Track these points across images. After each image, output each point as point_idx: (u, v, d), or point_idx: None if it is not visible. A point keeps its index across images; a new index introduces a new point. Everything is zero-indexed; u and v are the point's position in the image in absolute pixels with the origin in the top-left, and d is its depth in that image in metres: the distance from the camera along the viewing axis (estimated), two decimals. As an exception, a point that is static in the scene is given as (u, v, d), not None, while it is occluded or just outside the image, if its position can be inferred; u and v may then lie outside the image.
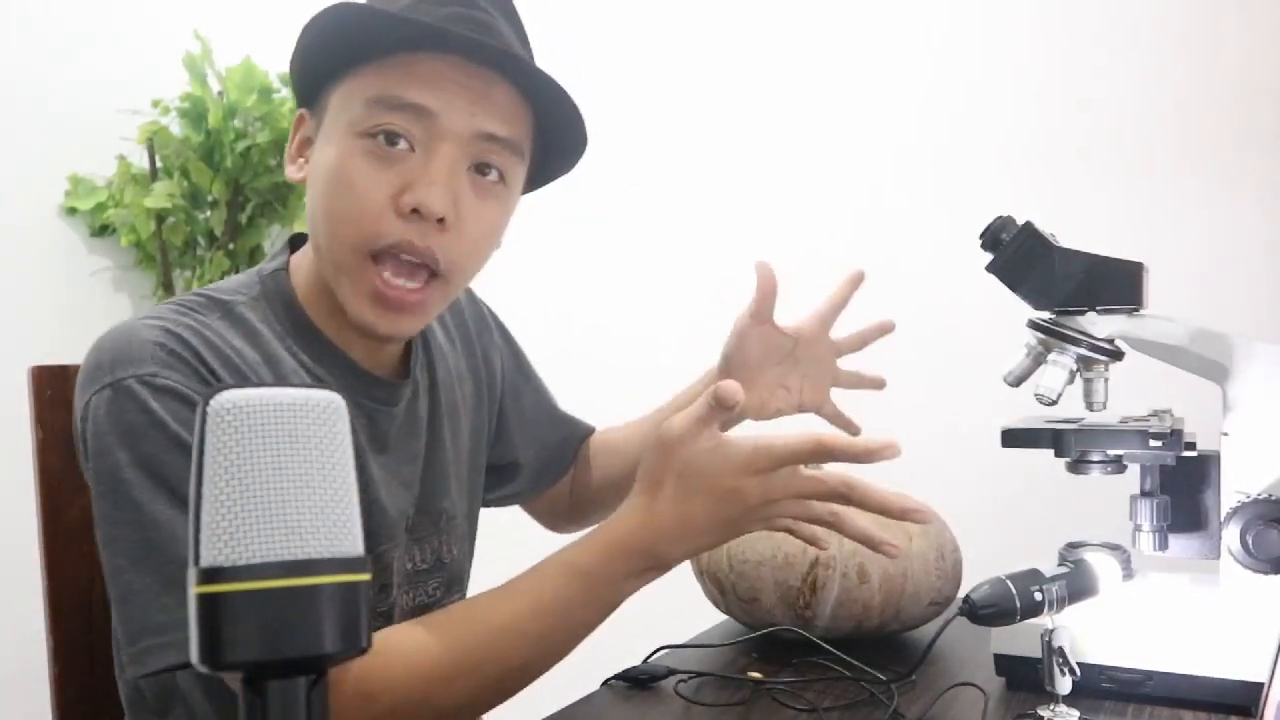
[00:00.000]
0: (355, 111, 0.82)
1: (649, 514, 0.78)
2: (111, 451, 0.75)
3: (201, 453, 0.42)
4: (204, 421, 0.42)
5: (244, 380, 0.81)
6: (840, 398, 1.96)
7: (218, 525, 0.41)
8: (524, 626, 0.78)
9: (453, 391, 1.04)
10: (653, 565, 0.79)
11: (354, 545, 0.44)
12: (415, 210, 0.81)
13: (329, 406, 0.44)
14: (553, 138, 0.91)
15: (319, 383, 0.88)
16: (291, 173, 0.90)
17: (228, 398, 0.43)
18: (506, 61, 0.83)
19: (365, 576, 0.44)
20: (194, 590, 0.41)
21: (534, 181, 0.95)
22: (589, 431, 1.24)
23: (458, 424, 1.04)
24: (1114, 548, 1.02)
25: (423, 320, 0.88)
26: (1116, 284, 0.98)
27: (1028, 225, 1.00)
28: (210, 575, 0.41)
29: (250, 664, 0.41)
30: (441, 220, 0.82)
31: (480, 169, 0.85)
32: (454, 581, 1.03)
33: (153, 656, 0.72)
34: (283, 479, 0.42)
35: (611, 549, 0.78)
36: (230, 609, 0.41)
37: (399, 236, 0.82)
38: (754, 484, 0.76)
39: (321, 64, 0.85)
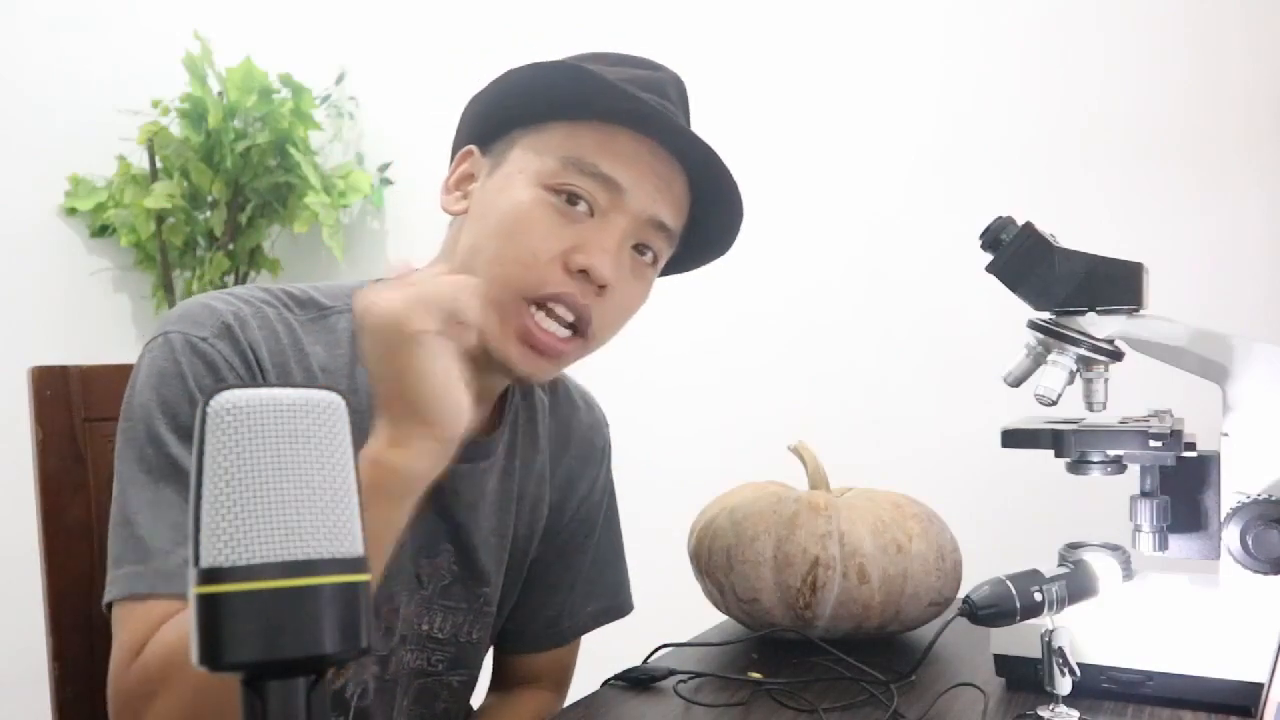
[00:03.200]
0: (547, 164, 0.86)
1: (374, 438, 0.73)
2: (135, 388, 0.81)
3: (201, 453, 0.42)
4: (204, 421, 0.42)
5: (287, 379, 0.84)
6: (844, 408, 1.96)
7: (218, 526, 0.41)
8: None
9: (527, 483, 1.02)
10: (393, 480, 0.71)
11: (354, 545, 0.44)
12: (583, 270, 0.84)
13: (329, 406, 0.44)
14: (701, 231, 0.95)
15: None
16: (448, 204, 0.92)
17: (228, 398, 0.43)
18: (700, 156, 0.87)
19: (366, 577, 0.44)
20: (194, 590, 0.41)
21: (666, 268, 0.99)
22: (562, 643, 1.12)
23: (520, 517, 1.02)
24: (1114, 548, 1.02)
25: (556, 370, 0.91)
26: (1116, 284, 0.98)
27: (1027, 226, 1.00)
28: (210, 576, 0.41)
29: (250, 664, 0.41)
30: (603, 286, 0.85)
31: (640, 248, 0.89)
32: (461, 661, 1.00)
33: (128, 581, 0.75)
34: (283, 479, 0.42)
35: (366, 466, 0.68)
36: (230, 609, 0.41)
37: (562, 289, 0.85)
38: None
39: (517, 111, 0.88)
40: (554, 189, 0.85)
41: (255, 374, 0.82)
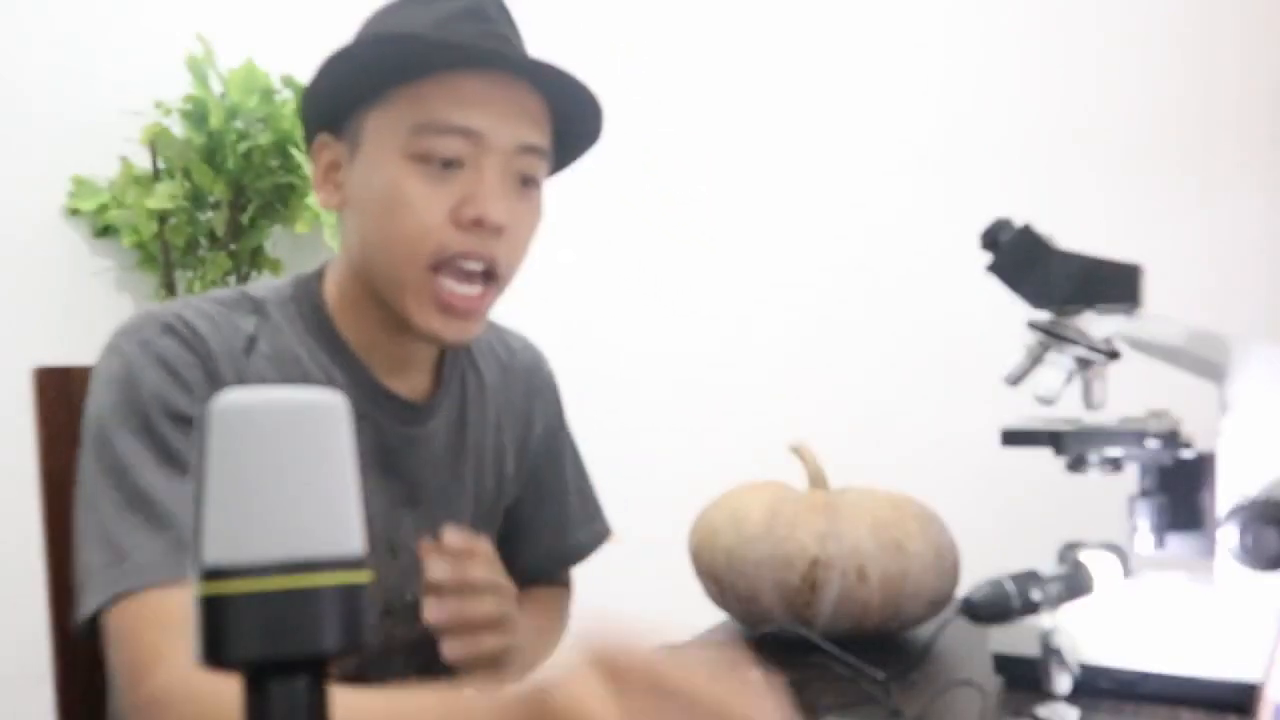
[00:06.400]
0: (401, 136, 0.86)
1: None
2: (94, 396, 0.83)
3: (204, 454, 0.43)
4: (206, 422, 0.43)
5: (241, 369, 0.86)
6: (844, 408, 1.96)
7: (219, 526, 0.42)
8: None
9: (483, 435, 1.03)
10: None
11: (355, 545, 0.44)
12: (477, 221, 0.85)
13: (331, 407, 0.45)
14: (567, 129, 0.94)
15: (333, 383, 0.91)
16: (324, 199, 0.92)
17: (230, 399, 0.43)
18: (549, 76, 0.87)
19: (366, 576, 0.44)
20: (195, 591, 0.42)
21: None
22: (564, 569, 1.16)
23: (483, 468, 1.03)
24: (1112, 548, 1.02)
25: (481, 326, 0.91)
26: (1115, 285, 0.98)
27: (1027, 227, 1.00)
28: (212, 575, 0.41)
29: (251, 663, 0.42)
30: (500, 229, 0.86)
31: (523, 179, 0.89)
32: None
33: (110, 584, 0.75)
34: (285, 479, 0.43)
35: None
36: (232, 609, 0.41)
37: (461, 246, 0.85)
38: None
39: (353, 92, 0.88)
40: (419, 157, 0.85)
41: (205, 360, 0.84)
